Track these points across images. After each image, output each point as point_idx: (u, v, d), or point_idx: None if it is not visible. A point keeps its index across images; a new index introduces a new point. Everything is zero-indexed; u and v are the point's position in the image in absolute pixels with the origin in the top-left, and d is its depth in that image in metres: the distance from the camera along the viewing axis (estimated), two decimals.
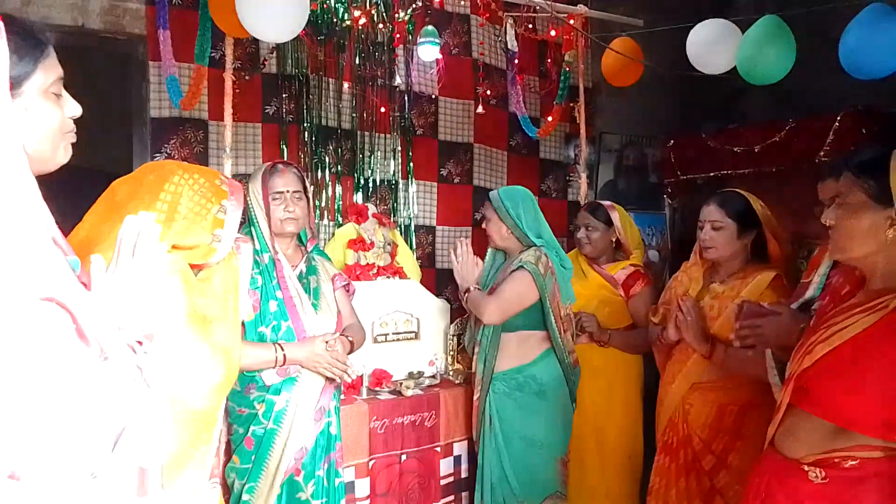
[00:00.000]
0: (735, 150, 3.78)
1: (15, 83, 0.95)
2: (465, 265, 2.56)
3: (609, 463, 2.86)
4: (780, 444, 1.49)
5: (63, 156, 1.07)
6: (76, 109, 1.08)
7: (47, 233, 0.94)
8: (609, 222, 2.92)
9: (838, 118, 3.33)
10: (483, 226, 2.69)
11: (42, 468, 0.84)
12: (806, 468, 1.39)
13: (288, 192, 2.15)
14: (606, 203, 2.99)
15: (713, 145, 3.88)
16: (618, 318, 2.89)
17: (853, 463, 1.33)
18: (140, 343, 1.04)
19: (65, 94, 1.07)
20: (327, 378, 2.13)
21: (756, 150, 3.68)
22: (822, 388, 1.38)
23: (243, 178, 2.99)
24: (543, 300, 2.50)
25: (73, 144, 1.11)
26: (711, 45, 2.87)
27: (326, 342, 2.08)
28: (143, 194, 1.30)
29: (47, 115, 1.02)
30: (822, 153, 3.37)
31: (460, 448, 2.81)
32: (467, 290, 2.55)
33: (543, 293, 2.48)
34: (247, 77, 3.02)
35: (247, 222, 2.19)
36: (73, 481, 0.87)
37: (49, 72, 1.02)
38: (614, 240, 2.95)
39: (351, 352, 2.19)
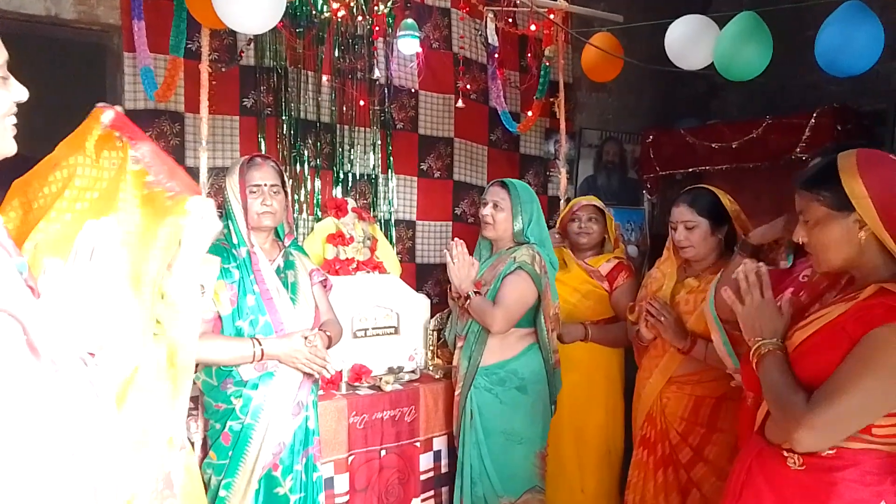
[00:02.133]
0: (713, 146, 3.82)
1: None
2: (462, 266, 2.47)
3: (587, 458, 2.87)
4: (766, 428, 1.51)
5: (9, 145, 1.01)
6: (23, 93, 1.02)
7: (3, 236, 0.89)
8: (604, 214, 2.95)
9: (814, 115, 3.37)
10: (486, 211, 2.60)
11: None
12: (785, 454, 1.41)
13: (265, 185, 2.13)
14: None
15: (691, 141, 3.91)
16: (600, 310, 2.91)
17: (830, 452, 1.35)
18: (92, 355, 0.98)
19: (10, 77, 1.01)
20: (305, 373, 2.12)
21: (734, 146, 3.72)
22: (801, 367, 1.40)
23: (221, 172, 2.96)
24: (540, 299, 2.49)
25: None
26: (689, 41, 2.88)
27: (305, 338, 2.07)
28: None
29: None
30: (798, 150, 3.42)
31: (440, 443, 2.81)
32: (467, 297, 2.47)
33: (540, 292, 2.48)
34: (223, 69, 2.98)
35: (223, 215, 2.17)
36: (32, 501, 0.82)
37: None
38: (605, 235, 2.98)
39: (328, 347, 2.18)
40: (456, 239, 2.54)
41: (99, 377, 0.97)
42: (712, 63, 2.84)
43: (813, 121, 3.37)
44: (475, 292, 2.48)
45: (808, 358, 1.39)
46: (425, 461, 2.76)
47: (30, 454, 0.82)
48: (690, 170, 3.95)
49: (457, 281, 2.49)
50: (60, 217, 1.11)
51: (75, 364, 0.94)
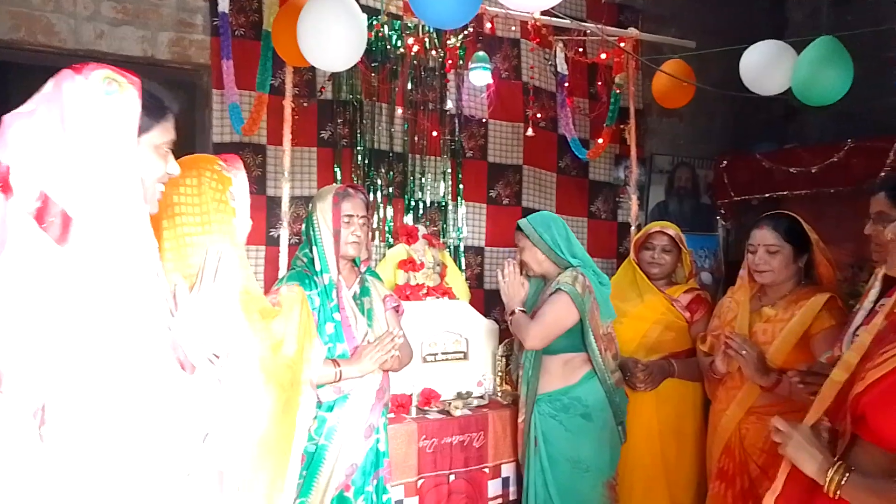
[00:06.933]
0: (791, 170, 3.72)
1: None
2: (512, 285, 2.58)
3: (682, 495, 2.75)
4: None
5: (154, 206, 1.23)
6: (176, 169, 1.24)
7: (156, 261, 1.12)
8: (679, 244, 2.87)
9: None
10: (518, 256, 2.68)
11: (149, 464, 1.02)
12: None
13: (357, 216, 2.21)
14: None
15: (768, 166, 3.83)
16: (682, 342, 2.80)
17: None
18: (217, 357, 1.20)
19: (171, 154, 1.23)
20: (377, 390, 2.18)
21: (813, 171, 3.62)
22: (876, 415, 1.34)
23: (300, 202, 3.10)
24: (583, 320, 2.48)
25: None
26: (766, 67, 2.84)
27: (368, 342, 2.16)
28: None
29: (155, 166, 1.20)
30: (882, 174, 3.29)
31: (508, 470, 2.80)
32: (512, 313, 2.55)
33: (583, 313, 2.47)
34: (305, 104, 3.12)
35: (306, 242, 2.25)
36: (174, 478, 1.06)
37: (164, 133, 1.21)
38: (679, 264, 2.91)
39: (399, 370, 2.24)
40: (508, 259, 2.61)
41: (225, 374, 1.21)
42: (788, 87, 2.79)
43: None
44: (521, 310, 2.54)
45: (885, 400, 1.32)
46: (493, 487, 2.76)
47: (175, 440, 1.07)
48: (767, 195, 3.85)
49: (506, 299, 2.59)
50: (175, 238, 1.32)
51: (206, 364, 1.19)
